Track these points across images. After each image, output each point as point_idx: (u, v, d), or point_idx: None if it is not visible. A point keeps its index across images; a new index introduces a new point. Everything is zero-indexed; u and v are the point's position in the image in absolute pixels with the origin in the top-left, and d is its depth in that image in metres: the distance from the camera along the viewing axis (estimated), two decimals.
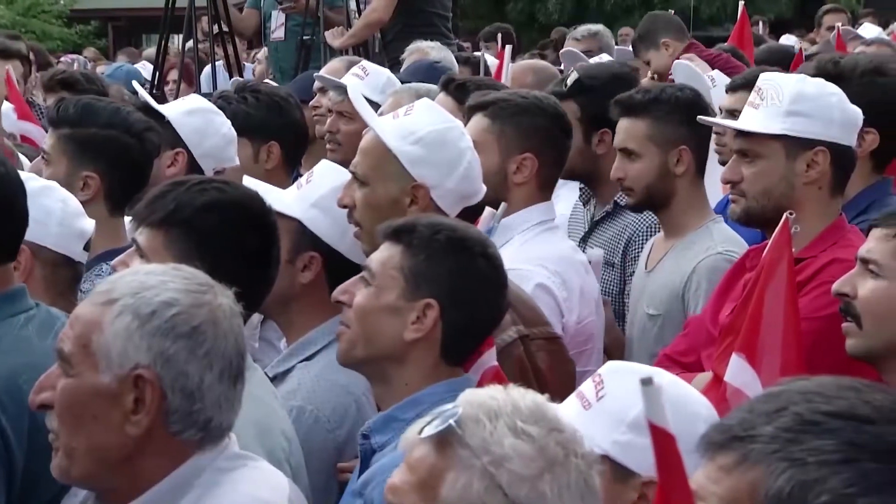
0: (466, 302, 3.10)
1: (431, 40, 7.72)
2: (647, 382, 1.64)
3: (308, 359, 3.64)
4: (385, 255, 3.14)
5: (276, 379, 3.63)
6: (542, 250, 4.15)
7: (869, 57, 4.87)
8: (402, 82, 5.91)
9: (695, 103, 4.50)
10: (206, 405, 2.52)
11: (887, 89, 4.31)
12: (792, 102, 3.75)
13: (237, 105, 5.07)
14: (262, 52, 10.08)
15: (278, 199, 3.77)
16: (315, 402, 3.52)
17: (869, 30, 9.35)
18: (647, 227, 4.83)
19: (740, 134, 3.84)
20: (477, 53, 8.49)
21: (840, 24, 9.11)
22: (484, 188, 3.88)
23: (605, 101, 4.68)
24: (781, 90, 3.79)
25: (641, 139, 4.45)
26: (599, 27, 9.23)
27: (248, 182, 3.77)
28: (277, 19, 9.25)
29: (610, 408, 2.64)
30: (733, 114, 4.41)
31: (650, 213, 4.76)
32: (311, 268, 3.70)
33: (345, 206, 3.74)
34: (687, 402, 2.72)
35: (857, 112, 3.85)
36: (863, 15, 13.58)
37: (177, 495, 2.54)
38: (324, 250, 3.71)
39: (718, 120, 4.18)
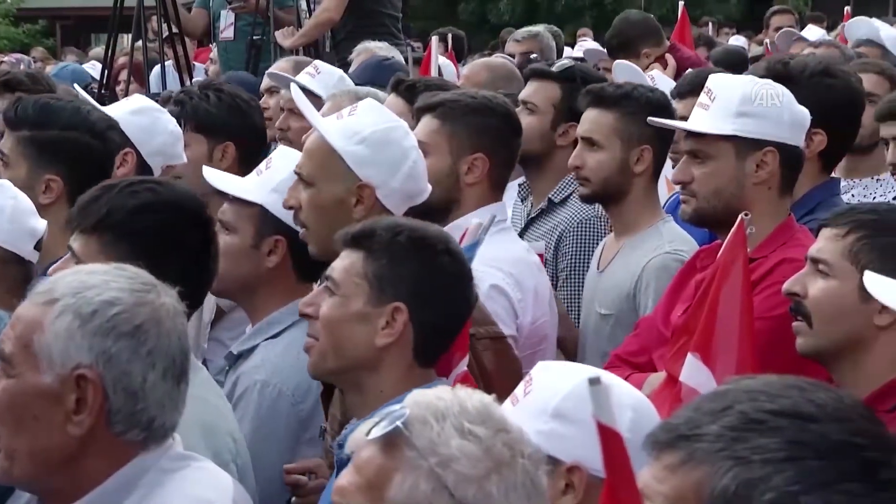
0: (434, 301, 3.08)
1: (381, 41, 7.72)
2: (594, 382, 1.64)
3: (273, 337, 3.68)
4: (346, 262, 3.11)
5: (241, 357, 3.70)
6: (495, 251, 4.11)
7: (818, 59, 4.91)
8: (354, 82, 5.90)
9: (664, 106, 4.54)
10: (150, 405, 2.51)
11: (835, 90, 4.34)
12: (741, 103, 3.77)
13: (198, 101, 5.06)
14: (214, 52, 10.03)
15: (239, 186, 3.85)
16: (279, 377, 3.57)
17: (813, 32, 9.43)
18: (578, 224, 4.85)
19: (690, 135, 3.85)
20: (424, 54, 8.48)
21: (787, 25, 9.17)
22: (429, 187, 3.89)
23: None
24: (731, 91, 3.81)
25: (607, 132, 4.47)
26: (540, 28, 9.21)
27: (208, 173, 3.79)
28: (227, 19, 9.20)
29: (535, 401, 2.66)
30: (682, 119, 4.42)
31: (584, 209, 4.80)
32: (277, 252, 3.76)
33: (290, 208, 3.75)
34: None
35: (805, 113, 3.87)
36: (810, 17, 13.68)
37: (120, 496, 2.52)
38: (288, 233, 3.76)
39: (669, 121, 4.20)
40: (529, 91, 5.15)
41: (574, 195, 4.88)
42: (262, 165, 3.94)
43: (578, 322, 4.60)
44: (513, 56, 8.08)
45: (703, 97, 3.86)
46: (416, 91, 4.88)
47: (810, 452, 1.64)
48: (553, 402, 2.63)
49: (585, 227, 4.82)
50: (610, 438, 1.64)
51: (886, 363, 3.08)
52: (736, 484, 1.63)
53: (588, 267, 4.66)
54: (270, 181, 3.83)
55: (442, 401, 2.16)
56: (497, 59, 7.41)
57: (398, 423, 2.11)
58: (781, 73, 4.30)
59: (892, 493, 1.65)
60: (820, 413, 1.68)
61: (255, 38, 8.89)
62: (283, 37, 8.81)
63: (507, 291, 4.09)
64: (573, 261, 4.75)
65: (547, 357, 4.20)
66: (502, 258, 4.14)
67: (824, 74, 4.33)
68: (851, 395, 1.74)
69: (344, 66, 7.44)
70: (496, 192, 4.29)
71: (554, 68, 5.18)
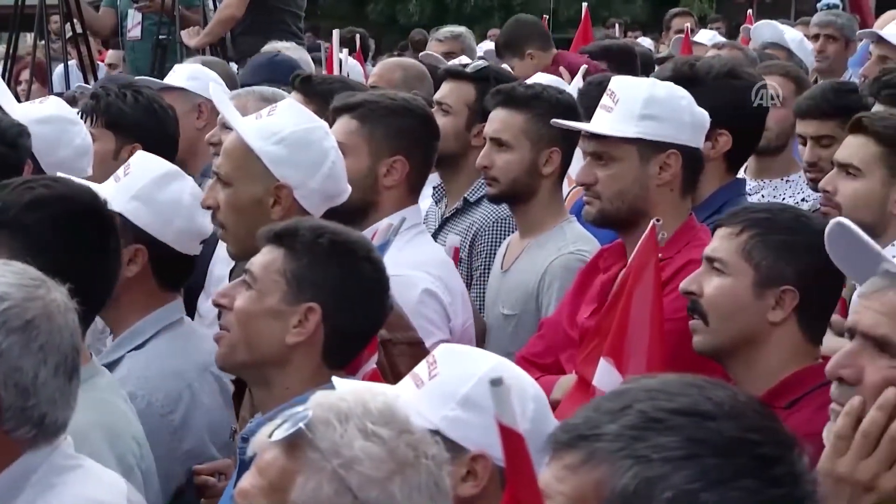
0: (350, 306, 3.08)
1: (280, 38, 7.71)
2: (496, 383, 1.63)
3: (137, 348, 3.61)
4: (267, 258, 3.12)
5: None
6: (421, 255, 4.16)
7: (723, 60, 4.95)
8: (243, 81, 5.87)
9: (573, 107, 4.55)
10: (41, 401, 2.47)
11: (740, 92, 4.38)
12: (644, 106, 3.80)
13: (114, 99, 5.00)
14: (114, 55, 9.95)
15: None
16: (146, 387, 3.51)
17: (704, 35, 9.58)
18: (493, 223, 4.86)
19: (594, 137, 3.87)
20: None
21: (688, 26, 9.26)
22: (349, 188, 3.88)
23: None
24: (634, 94, 3.83)
25: (517, 132, 4.48)
26: (462, 29, 9.26)
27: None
28: (134, 18, 9.13)
29: (441, 386, 2.64)
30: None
31: (499, 209, 4.81)
32: (137, 261, 3.66)
33: (208, 208, 3.73)
34: (513, 380, 2.72)
35: (704, 115, 3.91)
36: (713, 20, 13.84)
37: (11, 495, 2.48)
38: (148, 242, 3.68)
39: (572, 122, 4.21)
40: (444, 92, 5.16)
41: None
42: (121, 171, 3.84)
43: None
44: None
45: (605, 99, 3.88)
46: (313, 85, 4.87)
47: (708, 450, 1.65)
48: (462, 389, 2.62)
49: (501, 226, 4.83)
50: (511, 439, 1.64)
51: (779, 360, 3.12)
52: (636, 483, 1.64)
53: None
54: (130, 188, 3.74)
55: (345, 402, 2.15)
56: (408, 59, 7.43)
57: (301, 424, 2.10)
58: (687, 75, 4.34)
59: (786, 489, 1.66)
60: (717, 411, 1.68)
61: (161, 37, 8.82)
62: (189, 36, 8.77)
63: (439, 295, 4.10)
64: (488, 260, 4.76)
65: None
66: (428, 261, 4.16)
67: (729, 76, 4.37)
68: (747, 392, 1.75)
69: (241, 61, 7.42)
70: (413, 195, 4.28)
71: (469, 69, 5.19)
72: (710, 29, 11.49)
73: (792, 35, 8.01)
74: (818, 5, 9.97)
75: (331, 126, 4.12)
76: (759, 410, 1.71)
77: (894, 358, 2.32)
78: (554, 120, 4.28)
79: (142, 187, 3.73)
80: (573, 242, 4.40)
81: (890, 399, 2.29)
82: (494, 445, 2.49)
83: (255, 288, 3.10)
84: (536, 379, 3.54)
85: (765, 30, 8.28)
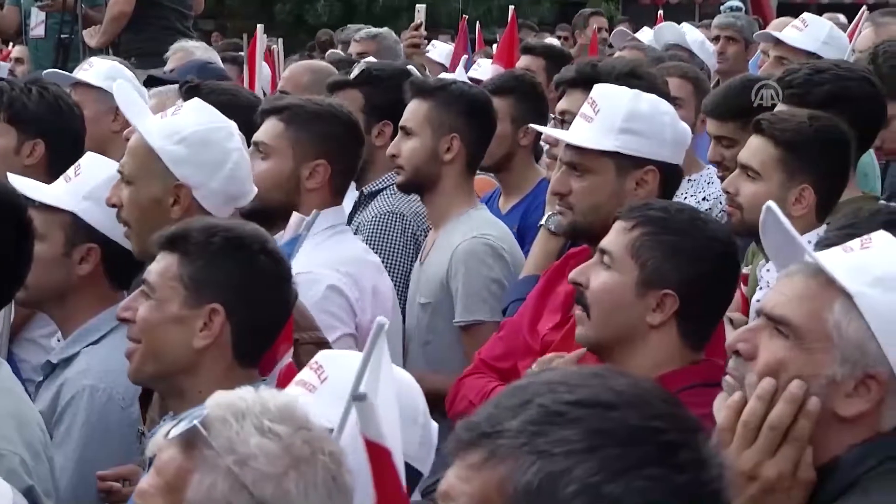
0: (252, 301, 3.07)
1: (165, 36, 7.69)
2: (360, 398, 1.62)
3: (93, 343, 3.66)
4: (162, 265, 3.09)
5: (59, 366, 3.66)
6: (332, 253, 4.18)
7: (625, 61, 5.01)
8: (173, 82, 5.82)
9: (477, 99, 4.63)
10: None
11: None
12: (626, 120, 3.77)
13: (18, 94, 4.94)
14: (21, 50, 9.81)
15: (48, 193, 3.81)
16: (107, 381, 3.55)
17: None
18: (373, 217, 4.92)
19: (571, 147, 3.83)
20: (241, 53, 8.45)
21: (600, 27, 9.36)
22: (254, 189, 3.89)
23: (390, 93, 4.76)
24: (615, 105, 3.80)
25: (420, 119, 4.57)
26: (382, 30, 9.26)
27: (12, 178, 3.70)
28: (37, 17, 9.04)
29: (335, 388, 2.60)
30: (564, 115, 4.48)
31: (385, 205, 4.90)
32: (89, 260, 3.74)
33: (112, 206, 3.74)
34: (400, 381, 2.74)
35: (686, 131, 3.90)
36: (620, 21, 13.98)
37: None
38: (100, 241, 3.75)
39: (552, 130, 4.23)
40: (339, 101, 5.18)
41: (385, 191, 4.96)
42: (71, 172, 3.88)
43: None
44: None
45: (586, 108, 3.85)
46: (203, 94, 4.87)
47: (610, 440, 1.64)
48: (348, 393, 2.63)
49: (380, 222, 4.89)
50: (377, 454, 1.62)
51: (654, 362, 3.12)
52: (539, 479, 1.62)
53: (384, 260, 4.71)
54: (82, 188, 3.80)
55: (243, 400, 2.14)
56: (318, 61, 7.43)
57: (195, 422, 2.10)
58: (590, 75, 4.37)
59: (692, 475, 1.66)
60: (618, 400, 1.67)
61: (63, 36, 8.74)
62: (90, 36, 8.71)
63: (345, 291, 4.13)
64: None
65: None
66: (338, 259, 4.19)
67: (630, 76, 4.40)
68: (650, 379, 1.75)
69: (127, 56, 7.40)
70: (336, 198, 4.33)
71: (351, 76, 5.22)
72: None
73: (693, 37, 8.12)
74: (721, 8, 10.11)
75: (258, 128, 4.18)
76: (661, 397, 1.71)
77: (788, 340, 2.35)
78: (531, 125, 4.38)
79: (94, 187, 3.79)
80: (478, 227, 4.48)
81: (768, 389, 2.32)
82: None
83: (154, 297, 3.07)
84: (493, 388, 3.57)
85: (666, 31, 8.39)
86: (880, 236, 2.47)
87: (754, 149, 4.00)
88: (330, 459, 2.12)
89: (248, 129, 4.21)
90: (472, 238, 4.45)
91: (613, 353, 3.16)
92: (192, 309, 3.04)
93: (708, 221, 3.27)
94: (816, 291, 2.35)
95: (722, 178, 5.07)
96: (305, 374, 2.69)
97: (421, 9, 7.94)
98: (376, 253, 4.71)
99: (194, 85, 5.08)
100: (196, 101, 3.97)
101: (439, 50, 9.77)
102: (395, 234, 4.85)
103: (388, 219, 4.89)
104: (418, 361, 4.51)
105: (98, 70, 5.70)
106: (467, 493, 1.68)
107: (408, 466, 2.34)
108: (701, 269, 3.12)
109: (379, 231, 4.88)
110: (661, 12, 10.62)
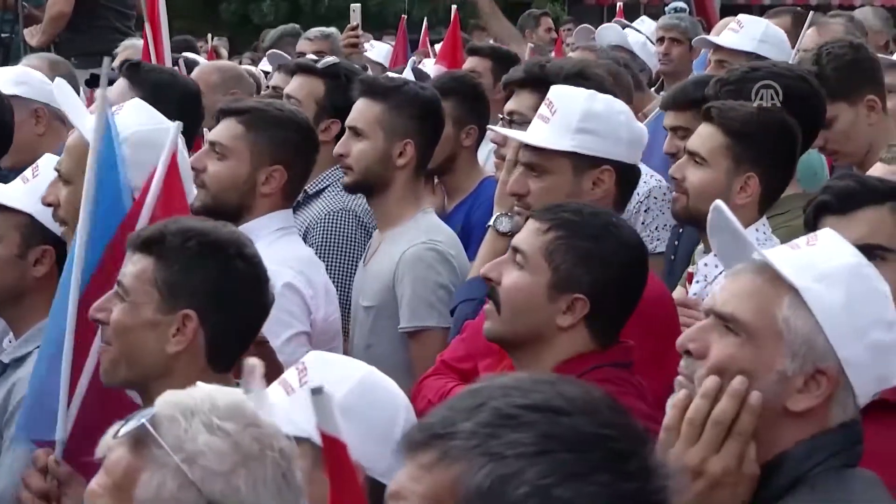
0: (228, 306, 3.06)
1: (105, 35, 7.64)
2: (316, 392, 1.62)
3: None
4: (137, 268, 3.07)
5: (10, 366, 3.66)
6: (284, 252, 4.18)
7: (573, 61, 5.04)
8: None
9: (431, 103, 4.61)
10: None
11: None
12: (582, 120, 3.79)
13: None
14: None
15: (4, 194, 3.80)
16: None
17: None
18: (325, 216, 4.91)
19: (528, 147, 3.84)
20: (187, 54, 8.40)
21: (548, 27, 9.42)
22: (194, 191, 3.88)
23: (349, 92, 4.74)
24: (572, 106, 3.81)
25: (372, 121, 4.54)
26: (332, 30, 9.25)
27: None
28: None
29: None
30: (512, 115, 4.49)
31: (333, 202, 4.89)
32: (45, 261, 3.73)
33: (49, 205, 3.73)
34: (385, 390, 2.74)
35: (642, 130, 3.93)
36: (566, 22, 14.04)
37: None
38: (56, 243, 3.75)
39: (509, 131, 4.24)
40: (294, 86, 5.22)
41: (329, 188, 4.95)
42: (28, 173, 3.88)
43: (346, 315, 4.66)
44: (303, 54, 8.07)
45: (543, 109, 3.87)
46: (142, 72, 4.87)
47: (562, 445, 1.65)
48: (335, 398, 2.61)
49: (332, 219, 4.89)
50: (333, 448, 1.62)
51: (560, 361, 3.15)
52: (490, 480, 1.63)
53: (336, 257, 4.74)
54: (39, 189, 3.78)
55: (192, 398, 2.14)
56: (226, 62, 7.43)
57: (144, 420, 2.09)
58: (539, 76, 4.39)
59: (640, 483, 1.68)
60: (571, 406, 1.69)
61: (3, 35, 8.68)
62: (31, 35, 8.65)
63: (300, 288, 4.15)
64: (320, 252, 4.80)
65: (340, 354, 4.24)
66: (292, 258, 4.20)
67: (579, 77, 4.42)
68: (601, 388, 1.77)
69: (67, 56, 7.37)
70: (287, 202, 4.34)
71: (319, 65, 5.21)
72: (563, 31, 11.75)
73: (635, 38, 8.18)
74: (666, 9, 10.17)
75: (195, 115, 4.17)
76: (611, 406, 1.72)
77: (738, 337, 2.36)
78: (489, 127, 4.36)
79: None
80: (426, 233, 4.47)
81: (712, 387, 2.34)
82: (366, 457, 2.49)
83: (129, 300, 3.06)
84: (452, 388, 3.57)
85: (608, 33, 8.46)
86: (826, 234, 2.50)
87: (703, 136, 4.03)
88: (280, 456, 2.12)
89: (181, 112, 4.17)
90: (420, 244, 4.44)
91: (523, 350, 3.20)
92: (165, 314, 3.03)
93: (620, 227, 3.30)
94: (764, 288, 2.37)
95: None
96: (289, 374, 2.68)
97: (356, 8, 7.94)
98: (329, 250, 4.72)
99: (135, 63, 5.07)
100: (137, 102, 3.96)
101: (378, 50, 9.77)
102: (348, 231, 4.85)
103: (340, 215, 4.89)
104: None
105: (6, 78, 5.62)
106: (418, 493, 1.69)
107: (379, 483, 2.34)
108: (612, 274, 3.16)
109: (331, 228, 4.87)
110: (619, 6, 10.67)
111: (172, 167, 3.35)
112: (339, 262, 4.81)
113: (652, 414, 3.15)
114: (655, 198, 5.45)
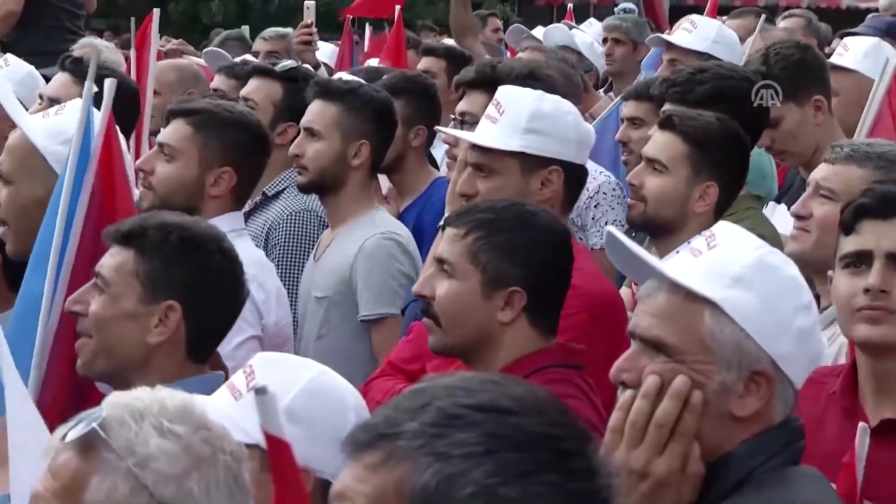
0: (208, 299, 3.09)
1: (55, 35, 7.59)
2: (260, 392, 1.61)
3: None
4: (117, 260, 3.09)
5: None
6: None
7: (524, 62, 5.06)
8: None
9: (385, 104, 4.65)
10: None
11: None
12: (530, 120, 3.80)
13: None
14: None
15: None
16: None
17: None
18: (287, 216, 4.92)
19: (476, 148, 3.85)
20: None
21: (496, 28, 9.45)
22: (137, 192, 3.85)
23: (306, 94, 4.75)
24: (520, 106, 3.82)
25: (329, 123, 4.57)
26: (288, 30, 9.22)
27: None
28: None
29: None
30: (464, 116, 4.49)
31: (295, 202, 4.90)
32: None
33: None
34: (335, 391, 2.73)
35: (590, 131, 3.95)
36: (514, 23, 14.09)
37: None
38: None
39: (458, 132, 4.24)
40: (251, 88, 5.23)
41: (288, 189, 4.95)
42: None
43: (295, 311, 4.66)
44: (257, 55, 8.03)
45: (491, 109, 3.88)
46: (85, 67, 4.84)
47: (508, 445, 1.65)
48: (282, 402, 2.60)
49: (295, 219, 4.91)
50: (278, 448, 1.61)
51: (510, 356, 3.18)
52: (436, 480, 1.63)
53: (299, 257, 4.74)
54: None
55: (140, 401, 2.13)
56: (181, 60, 7.40)
57: (94, 424, 2.08)
58: (490, 77, 4.41)
59: (585, 483, 1.68)
60: (516, 406, 1.69)
61: None
62: None
63: (252, 293, 4.08)
64: (283, 251, 4.82)
65: None
66: (243, 260, 4.14)
67: (530, 77, 4.44)
68: (546, 388, 1.77)
69: (17, 56, 7.31)
70: (237, 204, 4.34)
71: (278, 68, 5.21)
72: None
73: (582, 38, 8.23)
74: (615, 10, 10.22)
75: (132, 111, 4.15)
76: (556, 406, 1.73)
77: (670, 357, 2.37)
78: (437, 128, 4.38)
79: None
80: (382, 226, 4.52)
81: (653, 388, 2.35)
82: (317, 459, 2.49)
83: (109, 292, 3.07)
84: (402, 388, 3.57)
85: (556, 33, 8.50)
86: (721, 229, 2.50)
87: (662, 143, 4.06)
88: (231, 458, 2.11)
89: (122, 111, 4.16)
90: (379, 234, 4.50)
91: (473, 354, 3.21)
92: (147, 305, 3.06)
93: (536, 213, 3.32)
94: (682, 307, 2.38)
95: (625, 163, 5.17)
96: (237, 378, 2.68)
97: (310, 6, 7.92)
98: (292, 250, 4.73)
99: (77, 58, 5.04)
100: (79, 102, 3.92)
101: (323, 50, 9.76)
102: (310, 231, 4.88)
103: (301, 216, 4.91)
104: (308, 355, 4.49)
105: None
106: (364, 493, 1.68)
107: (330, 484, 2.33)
108: (539, 260, 3.20)
109: (293, 228, 4.89)
110: (570, 7, 10.73)
111: (110, 125, 3.37)
112: (302, 262, 4.83)
113: (600, 415, 3.17)
114: (605, 193, 5.49)
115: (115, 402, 2.14)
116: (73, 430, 2.10)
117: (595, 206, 5.48)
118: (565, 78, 5.97)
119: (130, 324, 3.06)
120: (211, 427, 2.13)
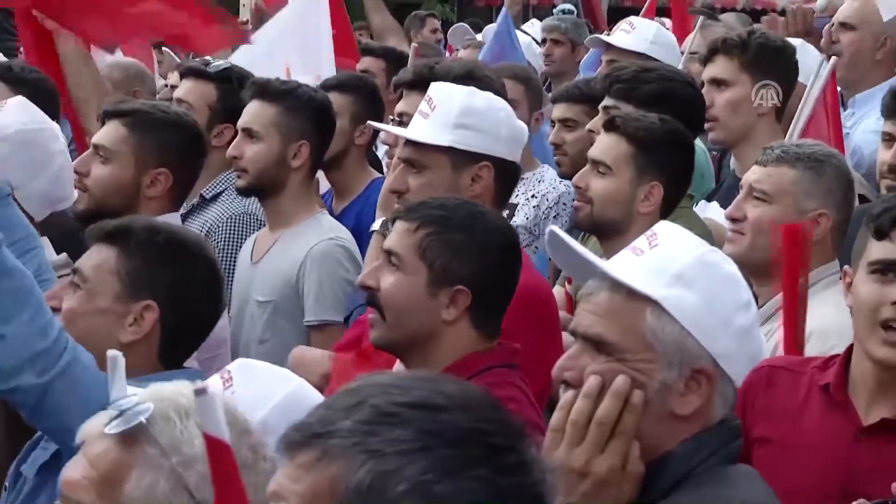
0: (186, 304, 3.08)
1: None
2: (200, 392, 1.60)
3: None
4: (99, 257, 3.09)
5: None
6: None
7: (462, 63, 5.08)
8: None
9: (324, 105, 4.64)
10: None
11: None
12: (460, 115, 3.80)
13: None
14: None
15: None
16: None
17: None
18: (227, 219, 4.90)
19: (407, 143, 3.85)
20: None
21: (435, 28, 9.49)
22: (74, 194, 3.84)
23: (241, 96, 4.73)
24: (451, 101, 3.82)
25: (267, 124, 4.54)
26: None
27: None
28: None
29: (244, 402, 2.58)
30: (402, 116, 4.50)
31: (234, 205, 4.88)
32: None
33: None
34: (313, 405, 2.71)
35: (522, 128, 3.95)
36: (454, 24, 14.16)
37: None
38: None
39: (389, 127, 4.24)
40: (185, 90, 5.16)
41: (226, 192, 4.92)
42: None
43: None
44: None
45: (423, 105, 3.88)
46: (16, 74, 4.82)
47: (441, 441, 1.65)
48: (257, 414, 2.50)
49: (235, 222, 4.87)
50: (217, 450, 1.60)
51: (450, 355, 3.17)
52: (371, 477, 1.63)
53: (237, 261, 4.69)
54: None
55: (185, 397, 2.09)
56: (130, 59, 7.34)
57: (142, 418, 2.05)
58: (427, 77, 4.40)
59: (518, 478, 1.68)
60: (448, 403, 1.69)
61: None
62: None
63: None
64: (224, 255, 4.77)
65: (226, 363, 4.18)
66: None
67: (468, 78, 4.44)
68: (478, 385, 1.77)
69: None
70: (174, 205, 4.31)
71: (210, 68, 5.18)
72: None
73: (521, 39, 8.25)
74: (554, 10, 10.26)
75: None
76: (489, 402, 1.73)
77: (611, 356, 2.37)
78: (370, 122, 4.36)
79: None
80: (329, 231, 4.50)
81: (594, 387, 2.35)
82: None
83: (85, 288, 3.07)
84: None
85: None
86: (663, 229, 2.50)
87: (606, 145, 4.08)
88: (269, 465, 2.09)
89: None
90: (328, 239, 4.47)
91: (412, 351, 3.20)
92: (124, 304, 3.05)
93: (486, 213, 3.32)
94: (624, 305, 2.39)
95: (559, 164, 5.19)
96: (213, 381, 2.63)
97: (247, 3, 7.90)
98: (232, 253, 4.69)
99: (7, 65, 4.99)
100: (20, 100, 3.91)
101: None
102: (250, 234, 4.83)
103: (242, 219, 4.88)
104: (250, 358, 4.47)
105: None
106: (298, 492, 1.67)
107: None
108: (488, 261, 3.19)
109: (233, 231, 4.86)
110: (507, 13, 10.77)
111: None
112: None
113: (540, 414, 3.18)
114: (565, 204, 5.52)
115: (160, 396, 2.10)
116: (118, 420, 2.07)
117: (555, 217, 5.52)
118: (527, 80, 6.03)
119: (103, 319, 3.05)
120: (252, 432, 2.12)
